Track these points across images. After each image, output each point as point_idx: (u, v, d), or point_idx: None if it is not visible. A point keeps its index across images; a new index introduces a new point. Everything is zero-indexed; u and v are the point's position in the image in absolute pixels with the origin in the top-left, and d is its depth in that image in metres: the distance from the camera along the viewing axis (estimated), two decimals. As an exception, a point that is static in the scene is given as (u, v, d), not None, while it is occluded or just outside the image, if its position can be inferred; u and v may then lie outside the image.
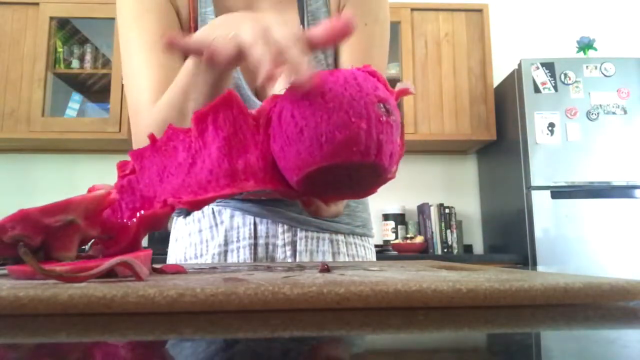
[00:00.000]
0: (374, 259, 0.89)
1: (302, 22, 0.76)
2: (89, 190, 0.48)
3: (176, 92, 0.60)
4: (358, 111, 0.39)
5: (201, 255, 0.78)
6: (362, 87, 0.40)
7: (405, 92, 0.47)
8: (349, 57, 0.77)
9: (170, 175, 0.44)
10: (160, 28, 0.69)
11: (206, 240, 0.78)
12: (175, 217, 0.85)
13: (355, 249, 0.83)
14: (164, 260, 0.89)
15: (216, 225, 0.79)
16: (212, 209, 0.80)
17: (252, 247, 0.76)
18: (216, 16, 0.72)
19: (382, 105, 0.41)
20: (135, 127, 0.67)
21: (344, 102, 0.39)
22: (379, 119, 0.40)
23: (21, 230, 0.36)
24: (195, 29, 0.73)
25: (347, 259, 0.80)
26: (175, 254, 0.82)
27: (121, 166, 0.47)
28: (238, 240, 0.77)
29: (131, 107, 0.68)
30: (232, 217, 0.78)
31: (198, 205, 0.43)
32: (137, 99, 0.67)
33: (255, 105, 0.72)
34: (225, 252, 0.77)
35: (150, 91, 0.65)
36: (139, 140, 0.66)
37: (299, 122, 0.40)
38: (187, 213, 0.82)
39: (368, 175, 0.43)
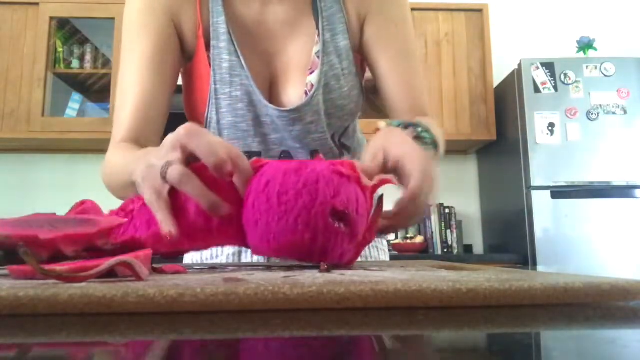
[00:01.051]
0: (388, 259, 0.89)
1: (318, 28, 0.76)
2: (78, 205, 0.49)
3: (121, 173, 0.62)
4: (306, 221, 0.41)
5: (217, 256, 0.80)
6: (319, 194, 0.42)
7: (385, 182, 0.49)
8: (388, 59, 0.77)
9: (155, 225, 0.46)
10: (155, 51, 0.71)
11: None
12: None
13: (369, 250, 0.84)
14: (166, 260, 0.89)
15: None
16: None
17: None
18: (228, 26, 0.72)
19: (335, 216, 0.42)
20: (110, 144, 0.71)
21: (295, 208, 0.42)
22: (328, 229, 0.42)
23: (78, 247, 0.40)
24: (204, 39, 0.73)
25: (360, 259, 0.81)
26: (191, 255, 0.84)
27: (125, 206, 0.50)
28: None
29: (114, 120, 0.73)
30: None
31: (174, 254, 0.47)
32: (117, 117, 0.72)
33: (268, 110, 0.72)
34: (240, 252, 0.79)
35: (128, 113, 0.70)
36: (106, 162, 0.70)
37: (255, 214, 0.43)
38: None
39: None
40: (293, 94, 0.74)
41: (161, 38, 0.71)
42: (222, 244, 0.48)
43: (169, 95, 0.73)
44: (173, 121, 0.78)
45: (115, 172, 0.65)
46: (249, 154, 0.74)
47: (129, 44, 0.72)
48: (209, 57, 0.73)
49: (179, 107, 0.79)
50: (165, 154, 0.46)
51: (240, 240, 0.47)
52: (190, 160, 0.46)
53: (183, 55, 0.75)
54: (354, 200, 0.43)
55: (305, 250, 0.42)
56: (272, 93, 0.75)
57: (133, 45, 0.72)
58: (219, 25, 0.72)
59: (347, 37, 0.76)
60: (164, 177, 0.45)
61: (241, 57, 0.72)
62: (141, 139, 0.71)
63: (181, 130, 0.45)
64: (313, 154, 0.76)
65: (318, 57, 0.74)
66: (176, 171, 0.44)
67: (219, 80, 0.72)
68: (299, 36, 0.76)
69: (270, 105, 0.72)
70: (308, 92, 0.73)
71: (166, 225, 0.44)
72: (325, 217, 0.42)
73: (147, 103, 0.70)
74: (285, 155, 0.76)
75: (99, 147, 2.72)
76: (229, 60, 0.72)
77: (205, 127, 0.73)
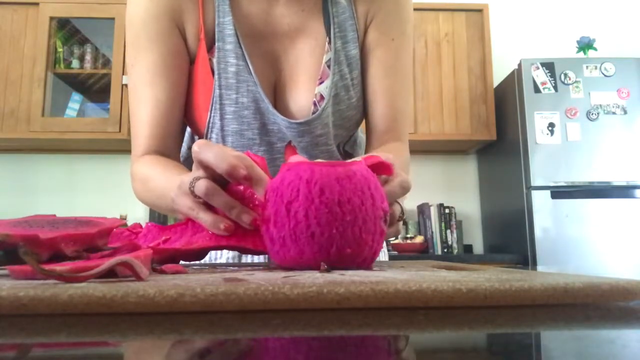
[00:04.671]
0: (387, 259, 0.89)
1: (329, 34, 0.73)
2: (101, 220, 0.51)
3: (154, 194, 0.66)
4: (369, 227, 0.41)
5: (216, 259, 0.78)
6: (375, 199, 0.42)
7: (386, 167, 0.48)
8: (376, 71, 0.76)
9: (166, 241, 0.48)
10: (164, 60, 0.69)
11: None
12: None
13: None
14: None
15: None
16: None
17: None
18: (235, 26, 0.70)
19: (384, 218, 0.43)
20: (132, 154, 0.73)
21: (360, 217, 0.40)
22: (381, 232, 0.42)
23: (78, 246, 0.40)
24: (206, 41, 0.71)
25: None
26: None
27: (133, 227, 0.51)
28: None
29: (132, 132, 0.73)
30: None
31: (165, 253, 0.47)
32: (136, 131, 0.72)
33: (276, 119, 0.70)
34: (240, 255, 0.76)
35: (146, 126, 0.70)
36: (131, 174, 0.72)
37: (311, 226, 0.40)
38: None
39: None
40: (301, 102, 0.72)
41: (168, 45, 0.70)
42: (228, 243, 0.47)
43: (183, 102, 0.72)
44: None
45: (153, 193, 0.67)
46: None
47: (137, 55, 0.70)
48: (210, 59, 0.70)
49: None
50: (191, 173, 0.49)
51: (247, 236, 0.47)
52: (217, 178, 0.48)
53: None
54: (387, 206, 0.44)
55: (364, 257, 0.41)
56: (277, 97, 0.73)
57: (141, 56, 0.70)
58: (225, 25, 0.70)
59: (357, 46, 0.75)
60: (192, 192, 0.48)
61: (248, 61, 0.70)
62: (161, 150, 0.70)
63: (194, 146, 0.47)
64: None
65: (328, 66, 0.72)
66: (202, 185, 0.46)
67: (224, 85, 0.69)
68: (306, 39, 0.73)
69: (279, 116, 0.70)
70: (317, 103, 0.71)
71: (214, 223, 0.46)
72: (380, 222, 0.42)
73: (163, 114, 0.70)
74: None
75: (99, 147, 2.72)
76: (236, 64, 0.69)
77: (207, 132, 0.72)
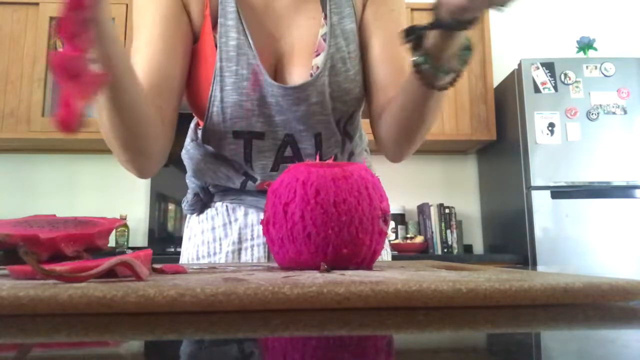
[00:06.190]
0: (389, 258, 0.89)
1: (324, 10, 0.76)
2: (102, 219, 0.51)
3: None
4: (365, 227, 0.41)
5: (214, 253, 0.78)
6: (373, 199, 0.42)
7: None
8: (378, 42, 0.77)
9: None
10: (165, 25, 0.70)
11: (219, 238, 0.78)
12: (188, 215, 0.85)
13: None
14: (166, 260, 0.88)
15: (230, 222, 0.78)
16: (227, 206, 0.80)
17: (266, 246, 0.76)
18: (236, 4, 0.72)
19: (384, 218, 0.43)
20: None
21: (356, 217, 0.41)
22: (380, 233, 0.43)
23: (78, 246, 0.40)
24: (212, 17, 0.73)
25: None
26: (188, 252, 0.81)
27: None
28: (252, 239, 0.77)
29: None
30: (246, 214, 0.78)
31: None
32: None
33: (273, 89, 0.72)
34: (239, 250, 0.77)
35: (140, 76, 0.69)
36: None
37: (307, 226, 0.41)
38: (201, 210, 0.82)
39: None
40: (297, 75, 0.74)
41: (171, 12, 0.71)
42: None
43: (181, 72, 0.72)
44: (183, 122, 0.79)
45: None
46: (252, 134, 0.74)
47: (140, 24, 0.72)
48: (214, 37, 0.72)
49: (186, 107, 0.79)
50: None
51: None
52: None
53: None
54: (388, 206, 0.45)
55: (362, 257, 0.42)
56: (277, 76, 0.75)
57: (143, 20, 0.71)
58: (228, 3, 0.73)
59: (354, 20, 0.77)
60: None
61: (249, 36, 0.72)
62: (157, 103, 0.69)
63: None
64: (317, 137, 0.75)
65: (324, 39, 0.74)
66: None
67: (224, 58, 0.71)
68: (304, 19, 0.76)
69: (275, 83, 0.71)
70: (313, 74, 0.73)
71: None
72: (378, 221, 0.42)
73: (158, 72, 0.69)
74: (289, 138, 0.75)
75: (99, 147, 2.72)
76: (237, 38, 0.72)
77: (209, 105, 0.72)
